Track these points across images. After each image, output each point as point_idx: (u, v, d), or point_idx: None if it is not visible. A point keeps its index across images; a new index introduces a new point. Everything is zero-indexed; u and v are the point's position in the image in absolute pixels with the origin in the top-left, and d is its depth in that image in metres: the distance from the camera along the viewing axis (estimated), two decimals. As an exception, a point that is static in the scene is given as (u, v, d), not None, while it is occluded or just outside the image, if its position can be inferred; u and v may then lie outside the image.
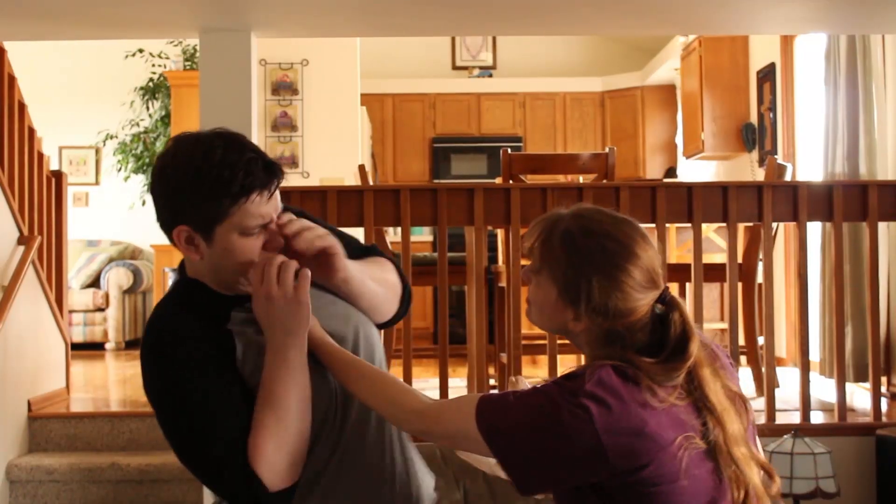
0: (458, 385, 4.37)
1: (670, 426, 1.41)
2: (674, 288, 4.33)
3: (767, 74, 6.01)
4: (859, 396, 4.01)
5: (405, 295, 1.89)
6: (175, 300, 1.69)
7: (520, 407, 1.45)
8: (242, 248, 1.59)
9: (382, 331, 1.87)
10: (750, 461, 1.45)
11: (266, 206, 1.58)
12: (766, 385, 3.59)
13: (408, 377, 3.55)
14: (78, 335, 6.87)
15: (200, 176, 1.54)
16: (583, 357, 1.62)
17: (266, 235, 1.61)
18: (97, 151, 8.03)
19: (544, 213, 1.61)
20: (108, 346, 7.06)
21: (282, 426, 1.54)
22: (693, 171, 7.45)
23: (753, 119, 6.32)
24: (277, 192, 1.62)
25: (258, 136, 5.13)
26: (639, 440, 1.39)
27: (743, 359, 4.16)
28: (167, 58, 7.32)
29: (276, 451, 1.53)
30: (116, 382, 5.36)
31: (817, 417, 3.69)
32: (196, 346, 1.59)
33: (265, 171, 1.57)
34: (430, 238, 7.91)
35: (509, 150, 4.03)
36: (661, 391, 1.43)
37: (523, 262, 3.73)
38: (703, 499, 1.43)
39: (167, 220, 1.61)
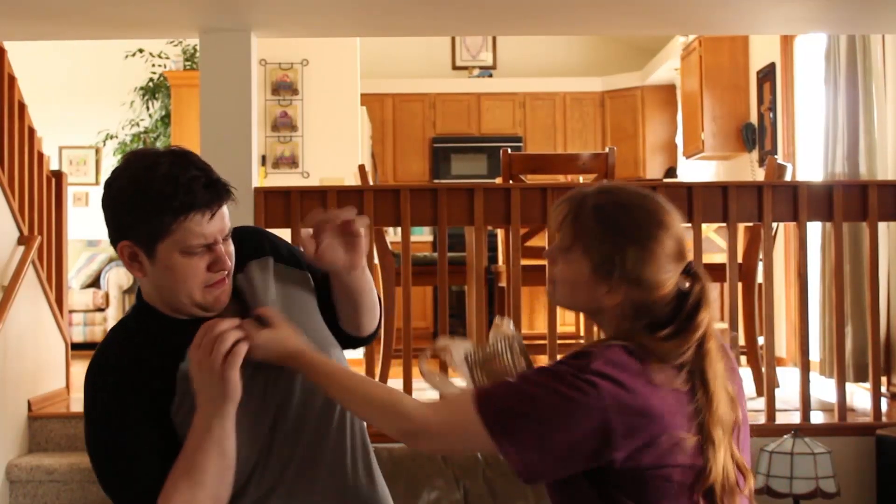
0: (458, 385, 4.36)
1: (674, 409, 1.42)
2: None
3: (767, 74, 6.01)
4: (859, 396, 4.01)
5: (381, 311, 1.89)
6: (126, 328, 1.66)
7: (525, 387, 1.45)
8: (184, 268, 1.54)
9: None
10: (724, 447, 1.44)
11: (209, 226, 1.53)
12: (766, 385, 3.59)
13: (408, 377, 3.55)
14: (78, 335, 6.87)
15: (142, 190, 1.51)
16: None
17: (210, 257, 1.56)
18: (97, 151, 8.03)
19: (567, 194, 1.59)
20: (108, 346, 7.06)
21: (195, 491, 1.52)
22: (693, 171, 7.45)
23: (753, 119, 6.31)
24: (225, 213, 1.57)
25: (258, 136, 5.13)
26: (644, 420, 1.39)
27: (743, 359, 4.16)
28: (167, 58, 7.32)
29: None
30: (116, 382, 5.36)
31: (817, 417, 3.69)
32: (131, 385, 1.56)
33: (207, 189, 1.53)
34: (430, 238, 7.91)
35: (509, 150, 4.03)
36: (668, 371, 1.43)
37: (524, 261, 3.74)
38: (691, 484, 1.43)
39: (112, 235, 1.58)
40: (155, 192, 1.50)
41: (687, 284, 1.51)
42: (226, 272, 1.59)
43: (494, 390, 1.49)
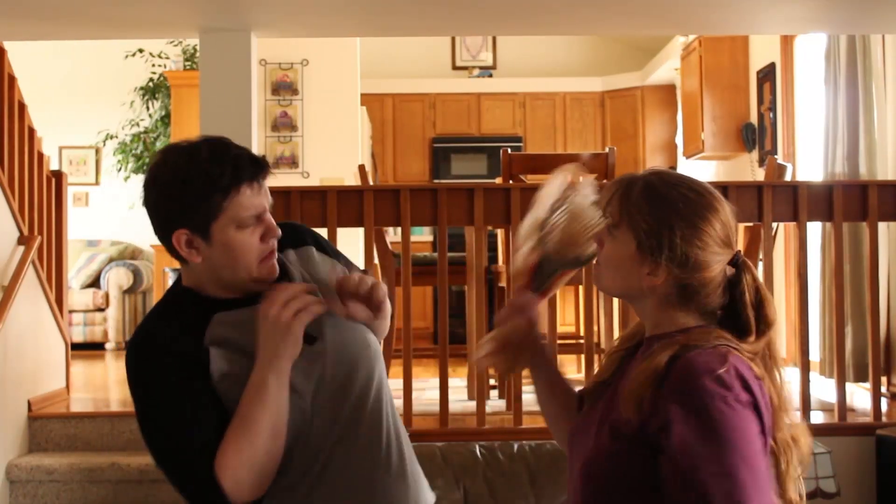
0: (459, 385, 4.37)
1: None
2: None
3: (767, 74, 6.01)
4: (859, 396, 4.01)
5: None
6: (163, 308, 1.72)
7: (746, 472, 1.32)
8: (241, 243, 1.62)
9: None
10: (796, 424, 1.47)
11: (258, 198, 1.63)
12: (766, 385, 3.59)
13: (408, 377, 3.55)
14: (78, 335, 6.87)
15: (190, 177, 1.59)
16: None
17: (262, 228, 1.64)
18: (97, 151, 8.02)
19: (616, 177, 1.58)
20: (108, 346, 7.06)
21: (251, 445, 1.56)
22: (693, 171, 7.45)
23: (753, 119, 6.32)
24: (267, 190, 1.67)
25: (258, 136, 5.13)
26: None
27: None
28: (167, 58, 7.32)
29: (242, 467, 1.56)
30: (116, 382, 5.36)
31: (817, 417, 3.69)
32: (173, 358, 1.61)
33: (252, 164, 1.63)
34: (430, 238, 7.91)
35: (509, 150, 4.03)
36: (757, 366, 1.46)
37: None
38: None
39: (164, 228, 1.64)
40: (203, 175, 1.59)
41: (732, 272, 1.50)
42: (276, 241, 1.67)
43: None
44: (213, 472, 1.55)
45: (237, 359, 1.63)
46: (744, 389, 1.36)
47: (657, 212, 1.48)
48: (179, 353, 1.61)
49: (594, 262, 1.59)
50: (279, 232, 1.67)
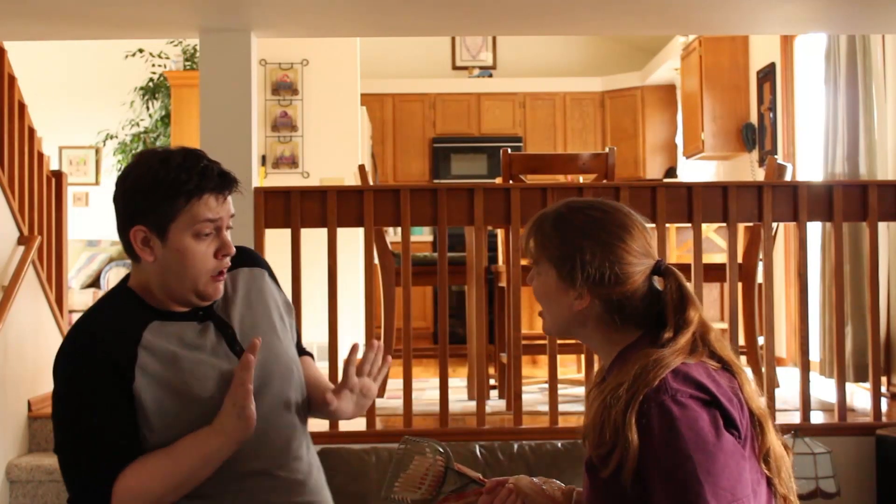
0: (459, 385, 4.37)
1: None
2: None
3: (767, 74, 6.01)
4: (859, 396, 4.01)
5: None
6: (104, 305, 1.74)
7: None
8: (195, 252, 1.65)
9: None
10: (766, 413, 1.50)
11: (220, 210, 1.67)
12: (766, 385, 3.59)
13: (408, 377, 3.55)
14: (78, 335, 6.86)
15: (159, 178, 1.64)
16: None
17: (218, 242, 1.68)
18: (97, 151, 8.03)
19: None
20: (108, 346, 7.06)
21: (161, 485, 1.61)
22: (693, 171, 7.45)
23: (753, 119, 6.32)
24: (230, 205, 1.70)
25: (258, 136, 5.13)
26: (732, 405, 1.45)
27: (743, 359, 4.16)
28: (167, 58, 7.32)
29: (140, 499, 1.60)
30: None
31: (817, 417, 3.69)
32: (101, 361, 1.62)
33: (219, 177, 1.67)
34: (430, 238, 7.91)
35: (509, 150, 4.03)
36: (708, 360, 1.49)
37: (524, 262, 3.74)
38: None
39: (125, 222, 1.68)
40: (171, 178, 1.63)
41: (659, 282, 1.54)
42: (229, 260, 1.70)
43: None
44: (110, 486, 1.59)
45: (164, 369, 1.64)
46: (697, 389, 1.41)
47: (566, 237, 1.54)
48: (107, 357, 1.62)
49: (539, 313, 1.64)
50: (233, 250, 1.70)
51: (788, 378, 4.51)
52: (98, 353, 1.62)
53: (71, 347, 1.66)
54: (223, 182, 1.67)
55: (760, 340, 4.03)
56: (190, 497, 1.65)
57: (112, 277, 7.12)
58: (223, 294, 1.75)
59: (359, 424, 3.50)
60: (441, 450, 1.67)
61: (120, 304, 1.72)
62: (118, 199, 1.70)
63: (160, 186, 1.63)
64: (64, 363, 1.65)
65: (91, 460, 1.60)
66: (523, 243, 1.63)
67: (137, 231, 1.66)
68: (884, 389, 3.98)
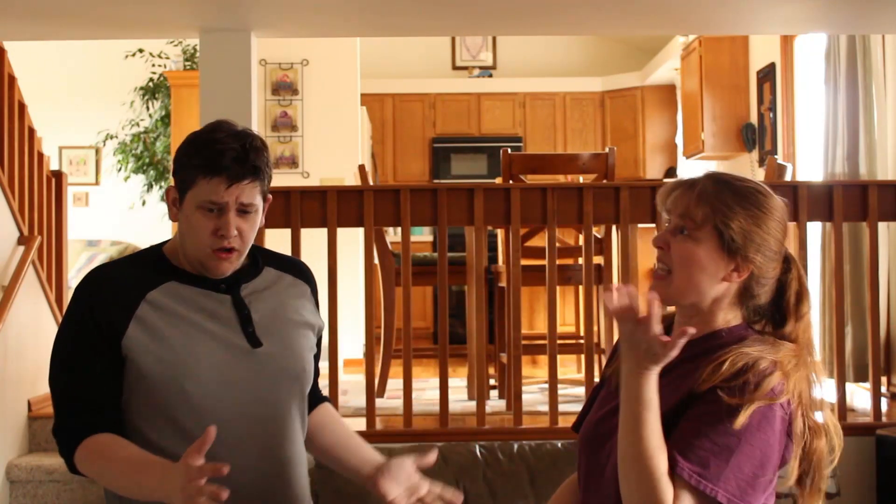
0: (459, 385, 4.37)
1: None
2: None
3: (767, 74, 6.01)
4: (859, 396, 4.01)
5: None
6: (133, 258, 1.84)
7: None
8: (196, 222, 1.73)
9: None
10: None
11: (225, 193, 1.70)
12: (766, 385, 3.59)
13: (408, 377, 3.55)
14: (78, 335, 6.85)
15: (195, 146, 1.73)
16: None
17: (218, 222, 1.71)
18: (97, 151, 8.02)
19: (676, 181, 1.61)
20: (108, 346, 7.05)
21: (101, 478, 1.70)
22: (693, 171, 7.44)
23: (753, 119, 6.32)
24: (246, 193, 1.72)
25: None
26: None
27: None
28: (167, 58, 7.31)
29: (88, 472, 1.70)
30: (116, 382, 5.35)
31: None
32: (109, 305, 1.71)
33: (235, 162, 1.69)
34: (430, 238, 7.91)
35: (509, 150, 4.03)
36: None
37: (524, 261, 3.74)
38: None
39: (173, 177, 1.79)
40: (199, 150, 1.72)
41: (781, 270, 1.58)
42: (228, 241, 1.73)
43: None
44: (76, 443, 1.68)
45: (164, 324, 1.71)
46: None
47: (749, 214, 1.53)
48: (105, 307, 1.70)
49: (658, 268, 1.59)
50: (231, 234, 1.72)
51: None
52: (100, 299, 1.71)
53: (78, 292, 1.75)
54: (237, 170, 1.70)
55: (760, 340, 4.02)
56: None
57: (112, 277, 7.11)
58: (252, 283, 1.82)
59: (359, 425, 3.50)
60: None
61: (139, 261, 1.81)
62: (175, 156, 1.80)
63: (191, 155, 1.72)
64: (70, 305, 1.75)
65: (68, 415, 1.70)
66: (680, 201, 1.56)
67: (171, 189, 1.78)
68: (884, 389, 3.98)
